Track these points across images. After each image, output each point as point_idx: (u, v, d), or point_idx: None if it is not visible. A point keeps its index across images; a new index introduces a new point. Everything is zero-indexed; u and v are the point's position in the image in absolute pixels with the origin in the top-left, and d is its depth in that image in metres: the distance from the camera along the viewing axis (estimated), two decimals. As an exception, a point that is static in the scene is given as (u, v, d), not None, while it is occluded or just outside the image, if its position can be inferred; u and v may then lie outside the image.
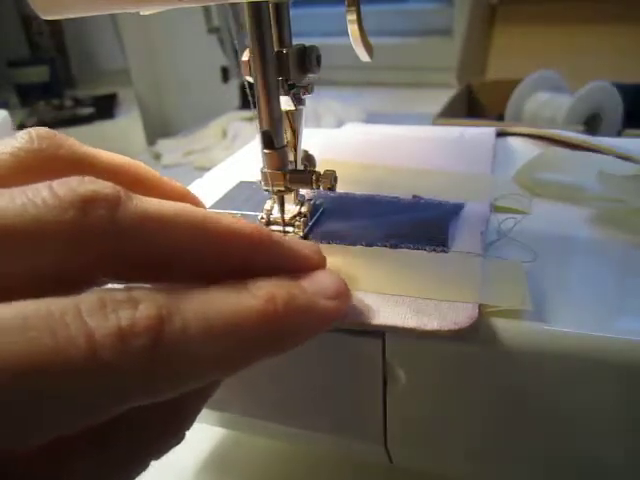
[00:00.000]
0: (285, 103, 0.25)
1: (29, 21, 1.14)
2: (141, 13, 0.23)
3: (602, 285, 0.22)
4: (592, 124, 0.75)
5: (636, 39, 0.89)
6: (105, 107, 1.03)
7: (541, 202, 0.28)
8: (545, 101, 0.79)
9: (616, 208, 0.27)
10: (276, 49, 0.24)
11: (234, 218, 0.16)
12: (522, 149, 0.36)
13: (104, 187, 0.14)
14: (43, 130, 0.17)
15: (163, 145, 0.96)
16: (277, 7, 0.24)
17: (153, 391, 0.13)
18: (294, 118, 0.26)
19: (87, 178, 0.14)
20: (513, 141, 0.37)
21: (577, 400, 0.19)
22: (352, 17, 0.23)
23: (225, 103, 1.07)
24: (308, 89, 0.25)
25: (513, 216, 0.26)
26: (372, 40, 0.24)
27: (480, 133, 0.38)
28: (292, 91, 0.24)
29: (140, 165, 0.20)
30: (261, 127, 0.24)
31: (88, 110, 0.99)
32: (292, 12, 0.24)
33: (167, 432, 0.17)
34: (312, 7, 1.27)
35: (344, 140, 0.39)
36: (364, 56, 0.24)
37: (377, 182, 0.31)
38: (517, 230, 0.25)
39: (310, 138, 0.31)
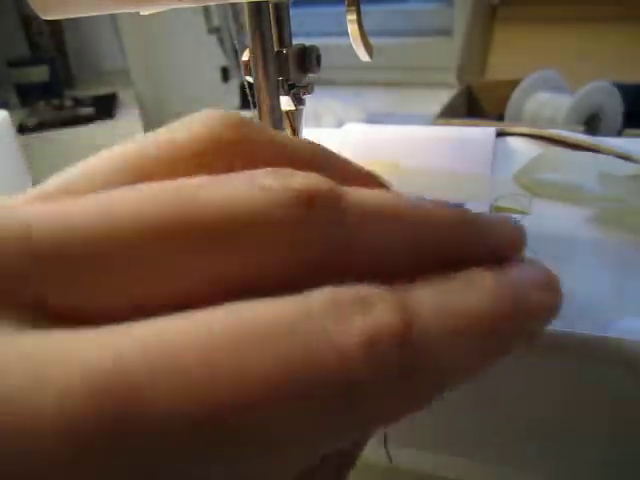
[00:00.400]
0: (285, 103, 0.25)
1: (29, 21, 1.14)
2: (141, 13, 0.23)
3: (602, 285, 0.22)
4: (592, 124, 0.75)
5: (636, 39, 0.89)
6: (105, 107, 1.03)
7: (541, 202, 0.28)
8: (545, 101, 0.79)
9: (616, 208, 0.27)
10: (276, 49, 0.24)
11: (436, 202, 0.14)
12: (522, 149, 0.36)
13: (321, 181, 0.12)
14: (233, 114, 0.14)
15: (163, 145, 0.96)
16: (277, 7, 0.24)
17: (400, 412, 0.11)
18: (294, 118, 0.26)
19: (300, 172, 0.12)
20: (513, 141, 0.37)
21: (575, 400, 0.19)
22: (352, 17, 0.23)
23: (225, 103, 1.07)
24: (308, 89, 0.25)
25: (513, 216, 0.26)
26: (372, 40, 0.24)
27: (480, 133, 0.38)
28: (292, 91, 0.24)
29: (326, 149, 0.17)
30: (261, 127, 0.24)
31: (88, 110, 0.99)
32: (292, 12, 0.24)
33: None
34: (312, 7, 1.27)
35: (344, 140, 0.39)
36: (364, 56, 0.24)
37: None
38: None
39: (310, 138, 0.31)
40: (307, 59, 0.24)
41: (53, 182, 0.12)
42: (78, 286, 0.10)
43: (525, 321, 0.13)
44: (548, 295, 0.14)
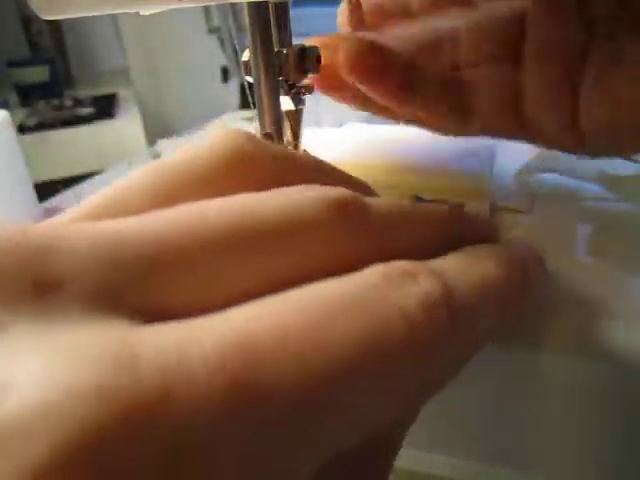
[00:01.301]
0: (285, 103, 0.25)
1: (29, 21, 1.14)
2: (141, 13, 0.23)
3: (602, 286, 0.22)
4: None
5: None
6: (105, 107, 1.03)
7: (541, 202, 0.28)
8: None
9: (616, 208, 0.27)
10: (276, 49, 0.24)
11: (429, 205, 0.16)
12: (522, 149, 0.36)
13: (349, 192, 0.13)
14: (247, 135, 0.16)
15: (163, 145, 0.96)
16: (277, 7, 0.24)
17: (449, 372, 0.13)
18: (294, 118, 0.26)
19: (330, 186, 0.14)
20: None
21: (575, 400, 0.19)
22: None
23: (225, 103, 1.07)
24: (308, 89, 0.25)
25: (513, 216, 0.26)
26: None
27: (480, 133, 0.38)
28: (292, 91, 0.24)
29: (321, 160, 0.18)
30: (261, 127, 0.24)
31: (88, 110, 0.99)
32: (292, 12, 0.24)
33: None
34: (312, 7, 1.27)
35: (344, 140, 0.39)
36: None
37: (377, 182, 0.31)
38: (517, 230, 0.25)
39: (310, 138, 0.31)
40: (307, 59, 0.24)
41: (91, 203, 0.13)
42: (170, 289, 0.11)
43: (529, 286, 0.16)
44: (541, 267, 0.17)
